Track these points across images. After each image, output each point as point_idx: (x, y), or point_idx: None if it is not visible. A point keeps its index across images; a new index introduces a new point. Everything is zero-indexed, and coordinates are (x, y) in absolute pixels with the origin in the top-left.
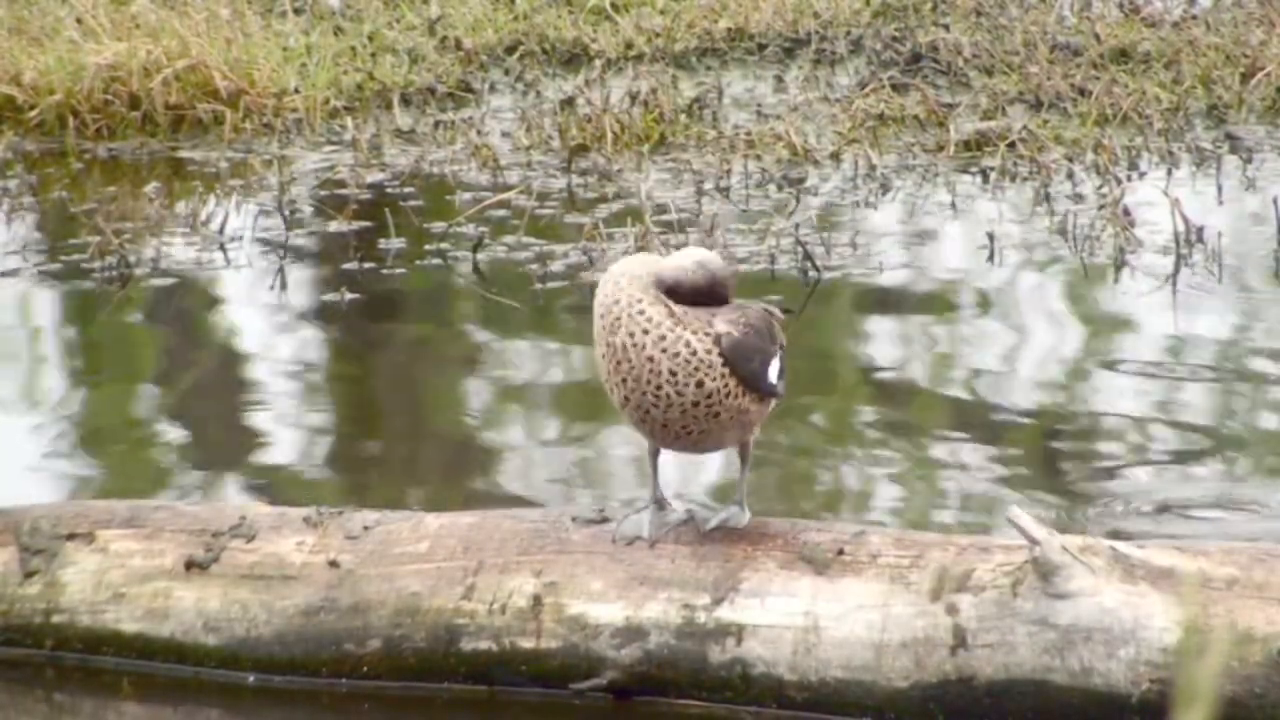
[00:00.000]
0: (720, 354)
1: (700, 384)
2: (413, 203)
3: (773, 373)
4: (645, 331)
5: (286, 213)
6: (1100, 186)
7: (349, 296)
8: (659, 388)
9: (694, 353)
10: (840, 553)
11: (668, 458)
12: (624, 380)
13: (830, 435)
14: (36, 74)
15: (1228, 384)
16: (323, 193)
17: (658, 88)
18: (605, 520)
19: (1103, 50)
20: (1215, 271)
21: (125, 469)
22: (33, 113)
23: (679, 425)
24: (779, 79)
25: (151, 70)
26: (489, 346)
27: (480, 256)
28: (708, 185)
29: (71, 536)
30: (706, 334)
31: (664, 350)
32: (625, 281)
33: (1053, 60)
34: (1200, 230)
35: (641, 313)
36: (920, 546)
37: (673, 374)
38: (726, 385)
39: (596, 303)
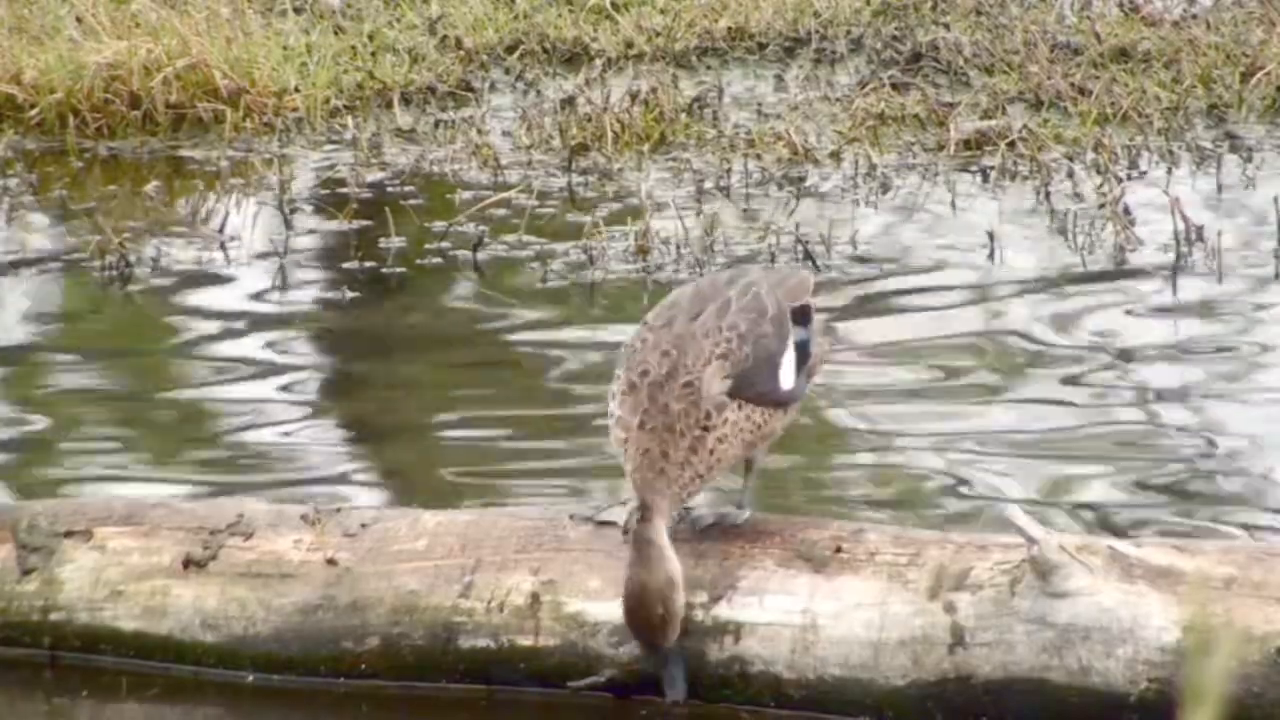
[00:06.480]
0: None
1: (721, 439)
2: (413, 202)
3: (785, 376)
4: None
5: (287, 212)
6: (1100, 186)
7: (349, 296)
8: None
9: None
10: (838, 550)
11: None
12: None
13: (828, 433)
14: (37, 73)
15: (1227, 383)
16: (323, 192)
17: (658, 87)
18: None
19: (1103, 49)
20: (1215, 271)
21: (123, 466)
22: (33, 111)
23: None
24: (779, 78)
25: (152, 69)
26: (489, 345)
27: (481, 255)
28: (708, 184)
29: (69, 534)
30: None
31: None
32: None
33: (1053, 59)
34: (1200, 230)
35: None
36: (918, 544)
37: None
38: (738, 424)
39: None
